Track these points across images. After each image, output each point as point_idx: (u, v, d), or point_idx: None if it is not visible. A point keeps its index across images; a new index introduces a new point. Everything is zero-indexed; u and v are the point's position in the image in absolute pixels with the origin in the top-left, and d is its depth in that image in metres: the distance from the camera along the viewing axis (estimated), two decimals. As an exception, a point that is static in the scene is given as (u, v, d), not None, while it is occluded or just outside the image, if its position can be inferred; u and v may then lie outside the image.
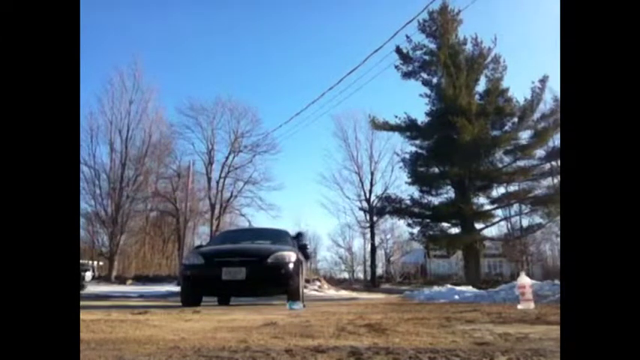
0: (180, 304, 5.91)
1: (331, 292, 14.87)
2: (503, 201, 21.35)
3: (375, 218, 30.37)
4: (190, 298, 5.89)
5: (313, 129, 64.78)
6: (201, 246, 7.28)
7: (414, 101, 51.87)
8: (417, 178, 22.08)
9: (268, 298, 7.45)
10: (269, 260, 5.66)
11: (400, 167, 24.41)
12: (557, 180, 19.10)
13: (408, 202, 22.31)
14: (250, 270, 5.49)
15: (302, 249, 7.06)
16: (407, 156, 22.67)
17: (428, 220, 21.78)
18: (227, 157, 28.43)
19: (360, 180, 31.37)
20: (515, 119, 20.62)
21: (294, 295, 5.66)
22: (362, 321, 3.07)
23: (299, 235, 7.88)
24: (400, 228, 33.95)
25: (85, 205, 24.49)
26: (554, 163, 19.75)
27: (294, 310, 4.78)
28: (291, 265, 5.70)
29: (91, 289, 12.44)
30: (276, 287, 5.91)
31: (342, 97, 54.01)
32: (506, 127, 20.96)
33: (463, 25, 21.58)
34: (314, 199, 65.55)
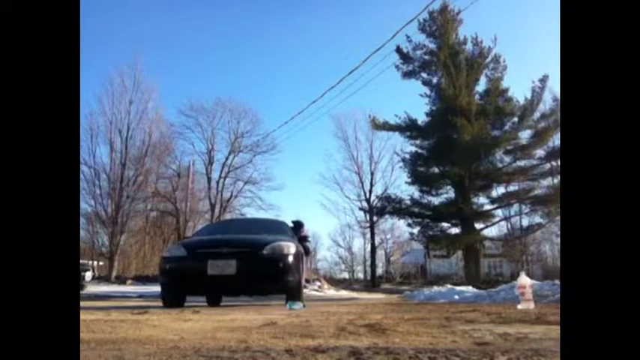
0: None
1: (331, 292, 14.86)
2: (503, 201, 21.38)
3: (375, 218, 30.41)
4: (171, 296, 5.06)
5: (313, 129, 65.00)
6: (187, 237, 6.41)
7: (414, 101, 52.05)
8: (417, 178, 22.12)
9: (266, 298, 6.72)
10: (264, 252, 4.84)
11: (400, 167, 24.55)
12: (557, 180, 19.11)
13: (408, 202, 22.40)
14: (241, 263, 4.70)
15: (302, 241, 6.20)
16: (407, 156, 22.76)
17: (428, 220, 21.84)
18: (227, 157, 28.61)
19: (360, 180, 31.48)
20: (515, 119, 20.66)
21: (293, 294, 5.06)
22: (362, 321, 3.07)
23: (298, 225, 6.90)
24: (400, 228, 34.19)
25: (85, 205, 24.52)
26: (554, 163, 19.78)
27: (294, 310, 4.72)
28: (290, 258, 4.91)
29: (91, 289, 12.41)
30: (272, 284, 5.07)
31: (342, 97, 54.14)
32: (506, 127, 20.98)
33: (463, 24, 21.65)
34: (314, 199, 65.83)
